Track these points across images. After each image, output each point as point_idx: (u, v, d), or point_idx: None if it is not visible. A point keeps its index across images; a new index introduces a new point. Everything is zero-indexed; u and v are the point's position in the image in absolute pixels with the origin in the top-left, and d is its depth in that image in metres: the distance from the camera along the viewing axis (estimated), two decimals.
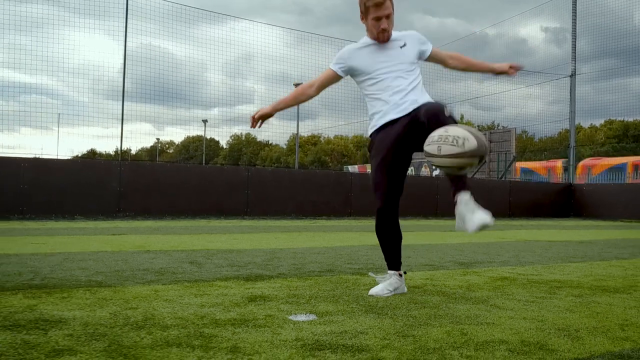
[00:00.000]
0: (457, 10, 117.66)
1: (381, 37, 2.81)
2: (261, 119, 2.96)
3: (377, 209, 2.87)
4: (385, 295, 2.80)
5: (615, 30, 18.55)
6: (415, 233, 8.00)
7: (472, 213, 2.37)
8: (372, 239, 6.31)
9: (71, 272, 3.41)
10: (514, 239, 7.43)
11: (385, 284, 2.87)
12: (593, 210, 17.15)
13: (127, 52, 12.92)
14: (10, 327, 1.99)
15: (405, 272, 2.99)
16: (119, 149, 12.80)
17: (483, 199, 12.73)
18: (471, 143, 2.25)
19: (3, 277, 3.14)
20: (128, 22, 12.89)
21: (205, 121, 36.10)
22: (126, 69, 12.86)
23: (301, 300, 2.66)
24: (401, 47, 2.83)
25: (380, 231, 2.94)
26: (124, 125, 12.87)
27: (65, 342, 1.80)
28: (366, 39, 2.90)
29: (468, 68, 3.08)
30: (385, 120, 2.79)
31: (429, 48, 2.92)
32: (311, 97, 2.99)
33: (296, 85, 30.69)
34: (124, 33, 12.89)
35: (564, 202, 17.66)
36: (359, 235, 7.28)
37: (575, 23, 18.73)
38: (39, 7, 12.22)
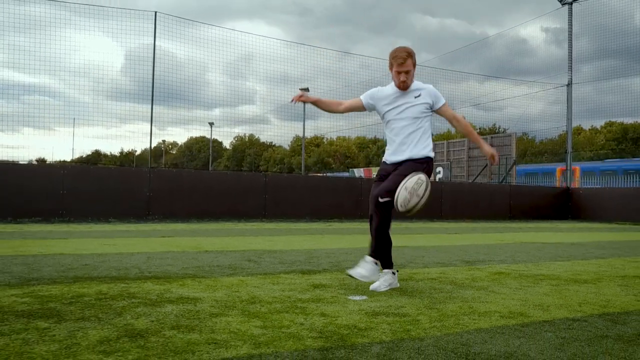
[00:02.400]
0: (457, 11, 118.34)
1: (401, 87, 3.72)
2: (301, 100, 3.80)
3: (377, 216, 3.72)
4: (383, 289, 3.57)
5: (616, 31, 19.40)
6: (425, 235, 8.97)
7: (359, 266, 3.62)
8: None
9: (164, 267, 4.39)
10: (512, 241, 8.40)
11: (381, 281, 3.62)
12: (590, 213, 18.09)
13: (129, 52, 13.83)
14: (169, 302, 2.97)
15: (397, 271, 3.78)
16: (149, 156, 13.75)
17: (485, 203, 13.98)
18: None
19: (119, 271, 4.13)
20: (129, 22, 13.75)
21: (211, 124, 36.93)
22: (130, 69, 13.77)
23: (351, 287, 3.64)
24: (415, 97, 3.71)
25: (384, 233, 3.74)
26: (125, 126, 13.82)
27: (213, 310, 2.79)
28: (392, 86, 3.80)
29: (466, 135, 3.98)
30: (393, 160, 3.70)
31: (439, 104, 3.75)
32: (337, 112, 3.94)
33: (302, 89, 31.78)
34: (153, 38, 13.85)
35: (561, 205, 18.61)
36: None
37: (572, 34, 19.68)
38: (40, 7, 12.86)
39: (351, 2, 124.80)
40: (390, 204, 3.48)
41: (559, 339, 2.37)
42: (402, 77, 3.65)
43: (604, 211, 17.70)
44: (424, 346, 2.21)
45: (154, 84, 14.04)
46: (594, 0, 19.49)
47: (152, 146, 14.31)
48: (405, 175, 3.47)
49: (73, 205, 11.74)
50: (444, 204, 16.03)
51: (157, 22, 14.13)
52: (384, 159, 3.83)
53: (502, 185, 19.01)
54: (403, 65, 3.62)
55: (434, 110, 3.78)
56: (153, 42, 13.36)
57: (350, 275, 3.58)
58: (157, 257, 5.05)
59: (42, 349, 2.04)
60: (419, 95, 3.72)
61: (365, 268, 3.61)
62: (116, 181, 12.31)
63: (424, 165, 3.63)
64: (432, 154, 3.74)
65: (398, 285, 3.75)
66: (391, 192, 3.46)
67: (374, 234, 3.63)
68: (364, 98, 3.86)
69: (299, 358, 2.00)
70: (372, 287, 3.60)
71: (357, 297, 3.25)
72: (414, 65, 3.70)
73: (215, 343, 2.17)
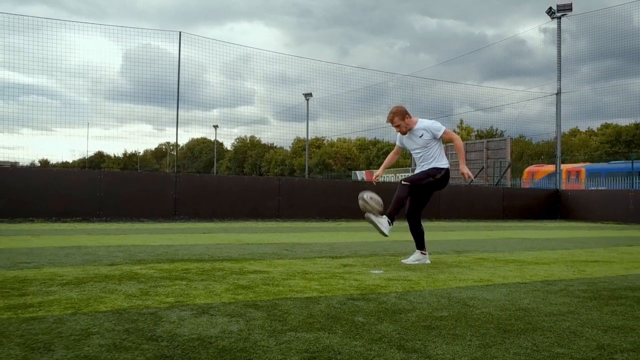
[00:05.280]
0: (456, 12, 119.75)
1: (401, 133, 5.22)
2: (377, 178, 5.47)
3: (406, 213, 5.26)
4: (411, 262, 5.15)
5: (613, 33, 20.63)
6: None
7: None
8: (393, 236, 8.70)
9: (225, 254, 5.78)
10: (498, 237, 9.79)
11: (413, 257, 5.23)
12: (577, 213, 19.49)
13: (127, 53, 14.91)
14: (249, 273, 4.36)
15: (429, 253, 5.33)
16: (175, 161, 15.09)
17: (479, 204, 15.69)
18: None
19: (194, 256, 5.51)
20: (128, 22, 14.96)
21: (216, 126, 38.20)
22: (129, 70, 15.07)
23: (370, 265, 5.03)
24: (420, 137, 5.15)
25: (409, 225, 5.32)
26: (125, 126, 15.00)
27: (282, 277, 4.18)
28: None
29: (457, 151, 5.38)
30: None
31: (439, 134, 5.11)
32: (395, 160, 5.70)
33: (305, 94, 33.41)
34: (178, 50, 15.13)
35: (551, 206, 20.02)
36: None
37: (560, 46, 21.07)
38: (38, 8, 13.80)
39: (350, 3, 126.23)
40: (407, 187, 5.07)
41: (507, 291, 3.77)
42: (396, 130, 5.26)
43: (590, 211, 19.09)
44: (423, 294, 3.61)
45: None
46: (585, 9, 20.86)
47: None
48: (427, 174, 5.12)
49: (109, 206, 13.14)
50: (441, 205, 17.43)
51: (159, 22, 15.25)
52: None
53: (496, 188, 20.41)
54: (392, 123, 5.20)
55: (438, 138, 5.16)
56: (178, 58, 14.75)
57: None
58: (214, 248, 6.44)
59: (194, 292, 3.43)
60: (421, 135, 5.16)
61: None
62: (146, 184, 13.71)
63: (440, 170, 5.11)
64: (446, 165, 5.16)
65: (428, 262, 5.28)
66: (412, 180, 5.10)
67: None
68: (397, 142, 5.48)
69: (348, 297, 3.39)
70: (403, 260, 5.22)
71: (376, 271, 4.65)
72: (402, 116, 5.16)
73: (295, 290, 3.57)
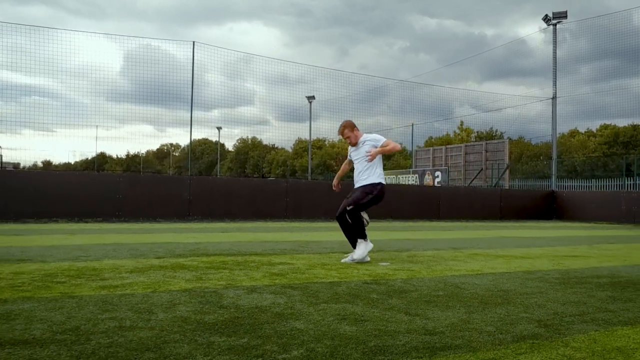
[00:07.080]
0: (456, 12, 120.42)
1: (351, 144, 5.89)
2: (339, 187, 6.16)
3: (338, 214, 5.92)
4: (358, 258, 5.70)
5: (613, 32, 21.35)
6: (425, 232, 11.16)
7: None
8: (396, 235, 9.50)
9: (250, 249, 6.57)
10: (493, 235, 10.59)
11: (360, 251, 5.73)
12: (571, 214, 20.29)
13: (129, 54, 15.60)
14: (277, 264, 5.16)
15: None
16: (189, 163, 15.88)
17: (478, 205, 16.68)
18: None
19: (224, 251, 6.31)
20: (127, 22, 15.69)
21: (219, 128, 39.03)
22: (129, 71, 15.86)
23: (378, 259, 5.83)
24: (363, 144, 5.73)
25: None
26: (126, 127, 15.69)
27: (305, 268, 4.98)
28: None
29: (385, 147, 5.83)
30: (356, 185, 5.83)
31: (379, 144, 5.67)
32: (348, 170, 6.27)
33: (308, 97, 34.37)
34: (192, 59, 15.92)
35: (547, 207, 20.82)
36: (386, 233, 10.46)
37: (556, 52, 21.87)
38: (37, 8, 14.26)
39: (350, 3, 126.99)
40: (353, 209, 5.57)
41: (493, 278, 4.57)
42: (347, 141, 5.91)
43: (585, 212, 19.89)
44: (424, 280, 4.41)
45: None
46: (584, 8, 21.68)
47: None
48: (365, 193, 5.61)
49: (127, 207, 13.96)
50: (442, 206, 18.23)
51: (158, 22, 15.84)
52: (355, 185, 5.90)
53: (494, 189, 21.22)
54: (343, 136, 5.86)
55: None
56: (192, 68, 15.55)
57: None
58: (237, 245, 7.25)
59: (238, 278, 4.23)
60: (364, 143, 5.77)
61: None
62: (162, 187, 14.53)
63: (376, 186, 5.66)
64: (380, 180, 5.71)
65: (371, 245, 5.77)
66: (356, 203, 5.57)
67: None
68: (348, 155, 6.09)
69: (363, 282, 4.20)
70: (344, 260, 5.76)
71: (384, 263, 5.45)
72: (352, 129, 5.80)
73: (319, 277, 4.37)
